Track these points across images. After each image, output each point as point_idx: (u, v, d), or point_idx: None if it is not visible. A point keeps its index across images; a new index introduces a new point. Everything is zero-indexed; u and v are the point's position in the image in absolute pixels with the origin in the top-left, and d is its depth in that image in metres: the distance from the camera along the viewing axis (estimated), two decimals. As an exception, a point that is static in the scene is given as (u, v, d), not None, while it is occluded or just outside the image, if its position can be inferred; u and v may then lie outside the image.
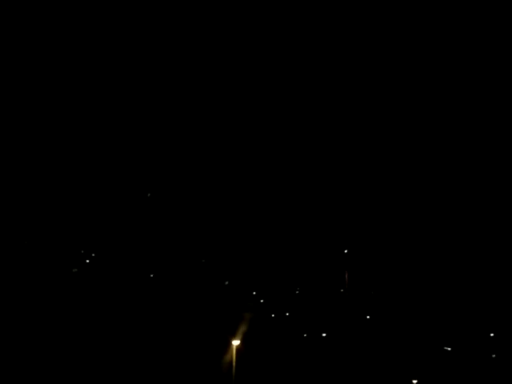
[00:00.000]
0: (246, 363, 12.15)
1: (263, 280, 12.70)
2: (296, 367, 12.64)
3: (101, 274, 12.16)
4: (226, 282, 12.23)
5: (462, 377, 11.97)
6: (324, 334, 13.46)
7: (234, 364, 12.08)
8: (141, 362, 11.87)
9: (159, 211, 12.59)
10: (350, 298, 11.03)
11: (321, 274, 11.86)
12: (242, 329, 12.58)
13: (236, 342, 14.56)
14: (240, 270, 12.82)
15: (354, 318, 11.33)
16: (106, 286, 12.82)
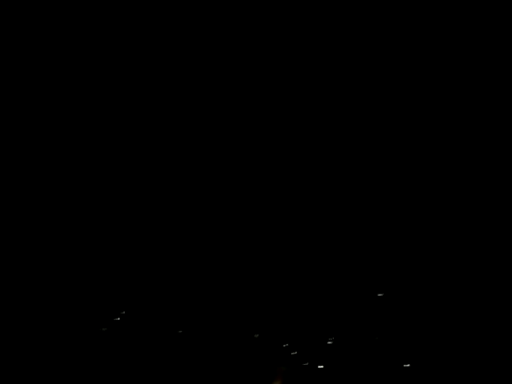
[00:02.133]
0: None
1: (293, 330, 12.22)
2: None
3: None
4: (256, 335, 11.77)
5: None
6: None
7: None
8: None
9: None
10: (385, 346, 10.43)
11: (353, 319, 11.26)
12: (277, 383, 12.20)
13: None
14: (269, 320, 12.38)
15: (392, 369, 10.76)
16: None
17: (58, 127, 12.45)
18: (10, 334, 11.60)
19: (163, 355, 12.43)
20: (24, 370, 11.00)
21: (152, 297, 13.19)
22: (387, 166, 12.61)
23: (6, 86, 11.80)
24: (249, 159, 13.03)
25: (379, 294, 12.66)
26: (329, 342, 12.74)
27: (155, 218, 13.36)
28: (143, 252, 13.31)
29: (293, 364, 12.41)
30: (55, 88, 12.29)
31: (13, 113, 12.04)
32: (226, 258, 13.33)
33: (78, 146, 12.62)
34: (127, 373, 12.08)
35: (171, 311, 13.09)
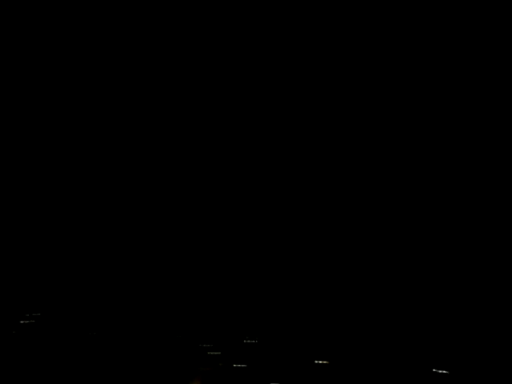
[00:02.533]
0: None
1: (213, 330, 12.17)
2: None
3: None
4: (178, 336, 11.78)
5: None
6: None
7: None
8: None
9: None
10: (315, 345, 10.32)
11: (274, 319, 11.18)
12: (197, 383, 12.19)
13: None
14: (189, 322, 12.32)
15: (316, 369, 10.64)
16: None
17: (58, 127, 12.30)
18: None
19: (83, 356, 12.38)
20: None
21: (73, 298, 13.12)
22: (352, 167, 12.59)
23: (6, 86, 11.64)
24: (248, 159, 12.93)
25: (306, 297, 12.69)
26: (249, 341, 12.75)
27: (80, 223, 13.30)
28: (72, 255, 13.23)
29: (212, 364, 12.42)
30: (55, 88, 12.13)
31: (13, 113, 11.88)
32: (147, 262, 13.29)
33: (78, 146, 12.47)
34: (49, 373, 12.03)
35: (94, 312, 13.04)
